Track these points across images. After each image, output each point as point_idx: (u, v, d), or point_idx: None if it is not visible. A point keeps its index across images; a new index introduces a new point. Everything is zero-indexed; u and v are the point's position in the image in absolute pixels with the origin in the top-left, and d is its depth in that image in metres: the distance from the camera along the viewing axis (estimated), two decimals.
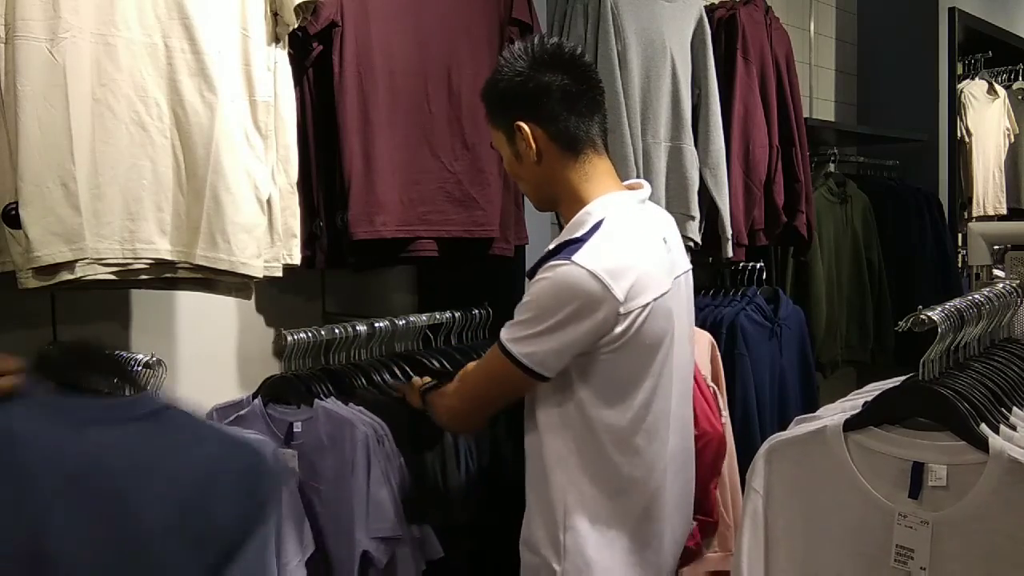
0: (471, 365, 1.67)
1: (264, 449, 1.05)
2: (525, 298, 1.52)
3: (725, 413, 2.36)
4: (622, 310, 1.47)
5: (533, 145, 1.56)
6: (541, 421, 1.57)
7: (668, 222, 1.71)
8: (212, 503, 0.98)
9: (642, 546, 1.58)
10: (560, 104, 1.55)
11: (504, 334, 1.53)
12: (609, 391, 1.54)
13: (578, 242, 1.49)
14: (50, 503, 0.93)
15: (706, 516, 1.91)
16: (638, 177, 2.27)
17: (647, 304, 1.50)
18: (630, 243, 1.53)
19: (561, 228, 1.61)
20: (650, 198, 1.67)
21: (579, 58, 1.60)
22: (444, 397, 1.67)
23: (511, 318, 1.54)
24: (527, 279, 1.58)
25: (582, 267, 1.45)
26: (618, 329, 1.48)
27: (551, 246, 1.57)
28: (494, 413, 1.68)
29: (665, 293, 1.55)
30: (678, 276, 1.63)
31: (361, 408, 1.81)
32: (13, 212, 1.41)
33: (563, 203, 1.61)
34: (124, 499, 0.95)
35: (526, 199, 2.01)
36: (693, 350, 1.77)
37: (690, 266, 1.72)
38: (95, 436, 0.95)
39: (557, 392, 1.54)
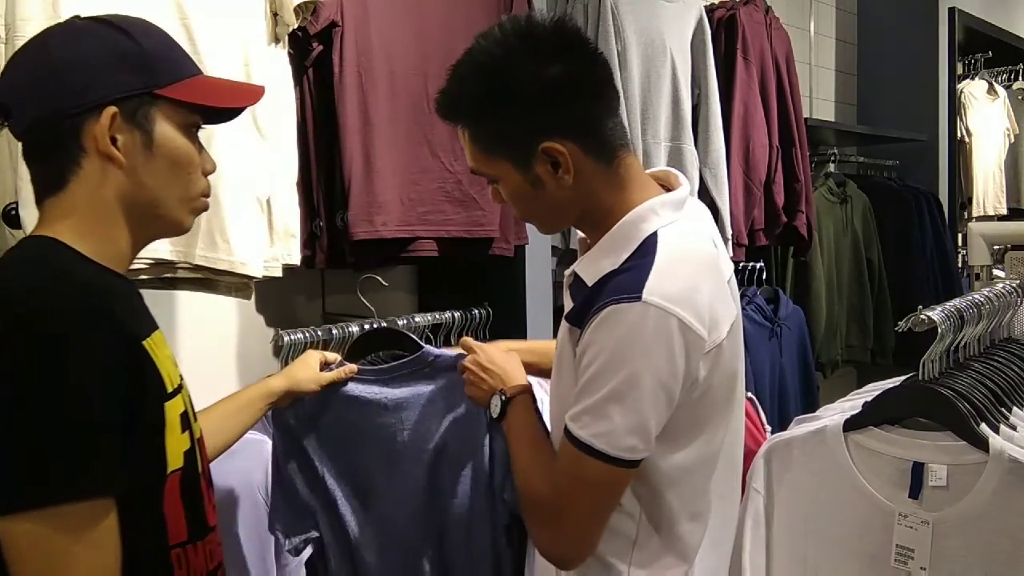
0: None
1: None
2: (591, 362, 1.15)
3: (767, 425, 2.14)
4: (705, 349, 1.18)
5: (571, 168, 1.20)
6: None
7: (708, 216, 1.37)
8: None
9: None
10: (590, 104, 1.21)
11: (576, 425, 1.16)
12: (676, 449, 1.23)
13: (638, 270, 1.16)
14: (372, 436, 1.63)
15: None
16: None
17: (723, 339, 1.21)
18: (695, 262, 1.22)
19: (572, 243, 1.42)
20: None
21: (583, 34, 1.25)
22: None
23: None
24: (567, 322, 1.26)
25: (659, 305, 1.13)
26: (701, 376, 1.19)
27: (580, 272, 1.26)
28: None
29: (736, 318, 1.27)
30: (728, 279, 1.31)
31: None
32: (13, 212, 1.41)
33: (590, 220, 1.28)
34: (420, 421, 1.63)
35: None
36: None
37: (731, 264, 1.39)
38: (397, 385, 1.63)
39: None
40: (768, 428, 2.19)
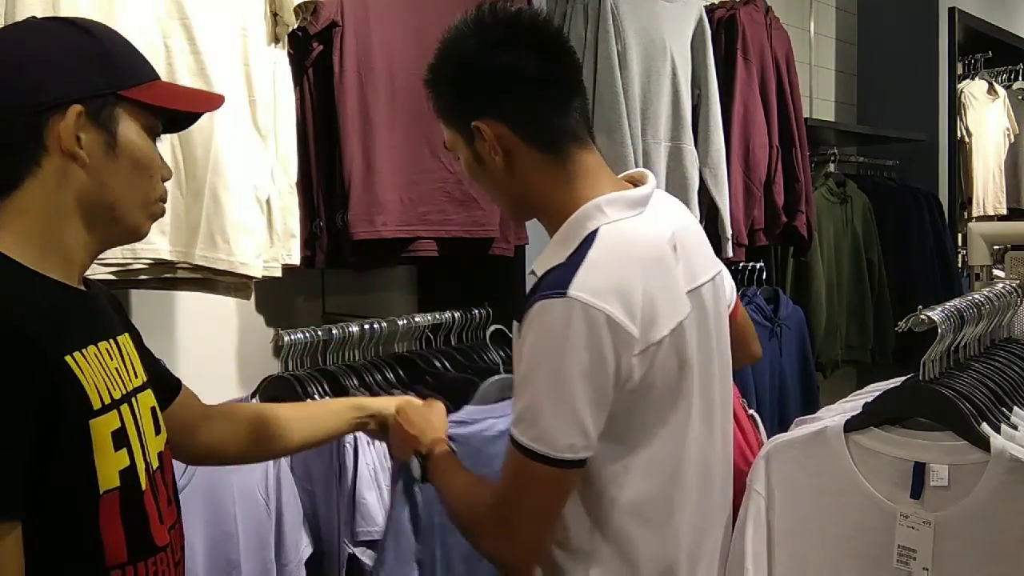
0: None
1: None
2: (520, 359, 1.18)
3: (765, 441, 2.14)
4: (638, 348, 1.17)
5: (499, 150, 1.25)
6: None
7: (680, 221, 1.34)
8: None
9: None
10: (530, 93, 1.25)
11: (516, 430, 1.17)
12: (622, 449, 1.23)
13: (570, 265, 1.18)
14: None
15: None
16: None
17: (663, 338, 1.20)
18: (632, 259, 1.21)
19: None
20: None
21: (546, 26, 1.29)
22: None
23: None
24: (516, 320, 1.24)
25: (584, 301, 1.13)
26: (636, 375, 1.18)
27: (536, 269, 1.26)
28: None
29: (685, 318, 1.24)
30: (697, 287, 1.30)
31: None
32: None
33: (544, 214, 1.31)
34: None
35: None
36: (729, 376, 1.40)
37: (717, 270, 1.38)
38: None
39: None
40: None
